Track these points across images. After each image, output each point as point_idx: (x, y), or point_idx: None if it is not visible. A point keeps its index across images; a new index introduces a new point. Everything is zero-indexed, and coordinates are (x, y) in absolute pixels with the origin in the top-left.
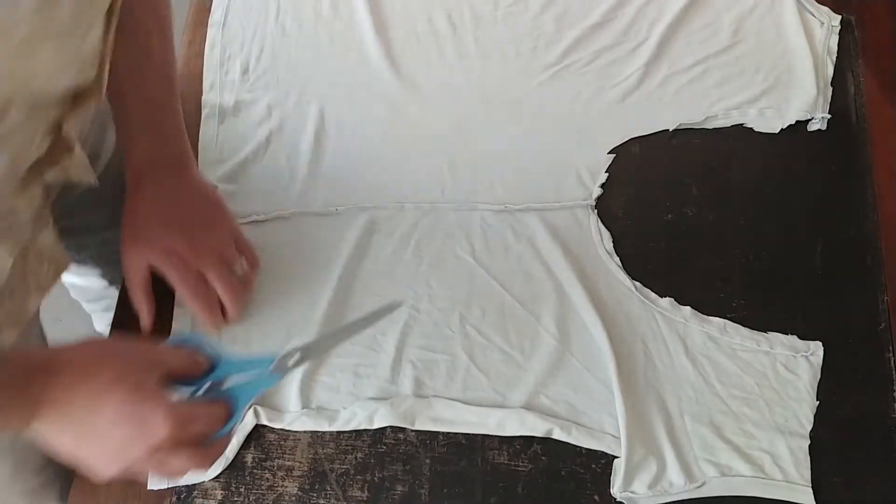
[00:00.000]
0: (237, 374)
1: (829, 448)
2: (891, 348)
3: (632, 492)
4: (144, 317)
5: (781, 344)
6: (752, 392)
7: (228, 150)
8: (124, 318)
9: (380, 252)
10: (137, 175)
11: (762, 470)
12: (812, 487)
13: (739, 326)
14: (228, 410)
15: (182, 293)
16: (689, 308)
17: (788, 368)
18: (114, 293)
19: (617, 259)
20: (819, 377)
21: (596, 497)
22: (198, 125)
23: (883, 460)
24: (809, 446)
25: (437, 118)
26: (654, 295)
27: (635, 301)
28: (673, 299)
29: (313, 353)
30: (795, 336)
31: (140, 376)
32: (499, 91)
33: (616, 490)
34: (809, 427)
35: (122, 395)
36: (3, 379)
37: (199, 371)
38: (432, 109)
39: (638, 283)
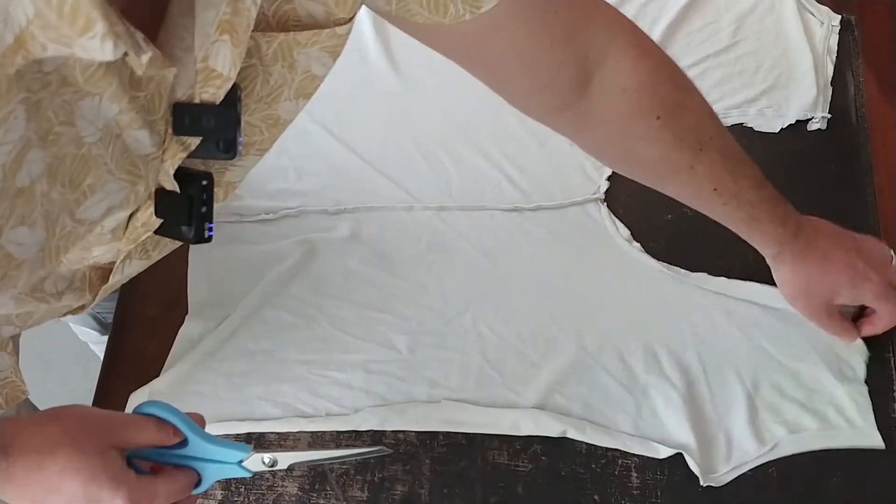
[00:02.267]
0: (208, 450)
1: (828, 448)
2: (891, 348)
3: (715, 474)
4: None
5: None
6: (803, 348)
7: None
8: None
9: (391, 251)
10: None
11: (828, 421)
12: (812, 487)
13: (775, 288)
14: (192, 483)
15: None
16: (722, 278)
17: None
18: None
19: (637, 245)
20: None
21: (596, 497)
22: None
23: (883, 460)
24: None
25: (440, 118)
26: (685, 270)
27: (668, 281)
28: (706, 273)
29: (285, 461)
30: None
31: (96, 463)
32: None
33: (703, 479)
34: (864, 375)
35: (76, 484)
36: None
37: (167, 443)
38: (434, 109)
39: (665, 263)
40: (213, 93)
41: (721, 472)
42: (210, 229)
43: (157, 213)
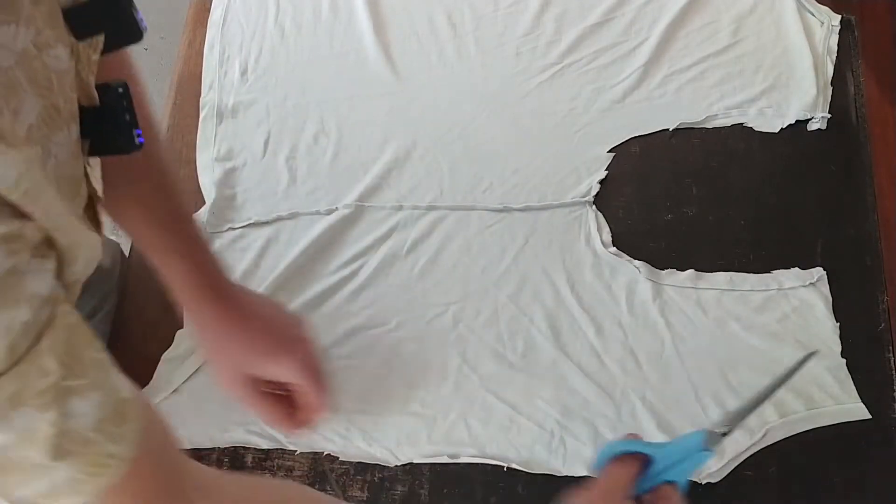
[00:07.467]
0: (669, 456)
1: (829, 448)
2: (891, 348)
3: (710, 471)
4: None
5: (788, 278)
6: (778, 331)
7: (227, 152)
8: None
9: (377, 252)
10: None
11: (813, 401)
12: (812, 487)
13: (744, 273)
14: (679, 494)
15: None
16: (690, 270)
17: (802, 300)
18: None
19: (613, 248)
20: (831, 300)
21: None
22: (196, 125)
23: (883, 460)
24: (808, 446)
25: (437, 118)
26: (656, 270)
27: (643, 280)
28: (674, 269)
29: (737, 421)
30: (797, 268)
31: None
32: (499, 91)
33: (701, 478)
34: (839, 349)
35: None
36: None
37: (637, 472)
38: (432, 110)
39: (640, 262)
40: None
41: (716, 469)
42: (139, 135)
43: (83, 133)
